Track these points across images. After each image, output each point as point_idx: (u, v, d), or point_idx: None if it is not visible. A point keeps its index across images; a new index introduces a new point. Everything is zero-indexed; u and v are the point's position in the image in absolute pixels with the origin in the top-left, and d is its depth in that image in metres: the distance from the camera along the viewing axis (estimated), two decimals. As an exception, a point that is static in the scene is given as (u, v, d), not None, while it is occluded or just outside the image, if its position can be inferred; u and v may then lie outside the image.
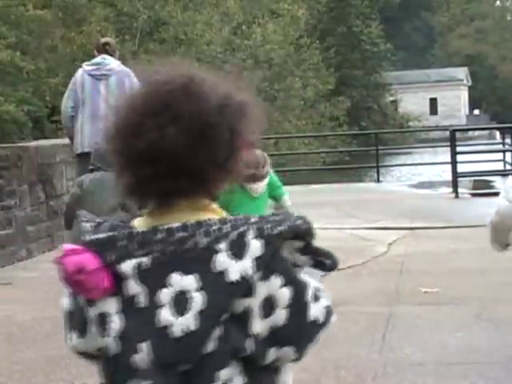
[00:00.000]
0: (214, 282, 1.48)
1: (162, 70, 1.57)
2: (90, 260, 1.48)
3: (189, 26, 27.49)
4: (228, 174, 1.57)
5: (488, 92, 77.11)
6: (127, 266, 1.49)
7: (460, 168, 14.37)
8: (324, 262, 1.60)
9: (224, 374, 1.50)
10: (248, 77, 29.60)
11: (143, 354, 1.48)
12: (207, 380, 1.50)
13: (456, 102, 73.06)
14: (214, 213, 1.58)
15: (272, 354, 1.54)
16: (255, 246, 1.49)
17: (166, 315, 1.48)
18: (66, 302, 1.62)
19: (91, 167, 6.27)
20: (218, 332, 1.48)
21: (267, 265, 1.50)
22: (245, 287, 1.49)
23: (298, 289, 1.54)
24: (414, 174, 22.90)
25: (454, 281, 6.57)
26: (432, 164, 19.70)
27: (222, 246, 1.48)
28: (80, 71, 7.56)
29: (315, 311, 1.57)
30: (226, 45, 28.75)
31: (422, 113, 60.55)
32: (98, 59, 7.51)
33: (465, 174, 14.97)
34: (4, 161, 8.27)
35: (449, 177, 13.87)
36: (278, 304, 1.52)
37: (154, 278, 1.49)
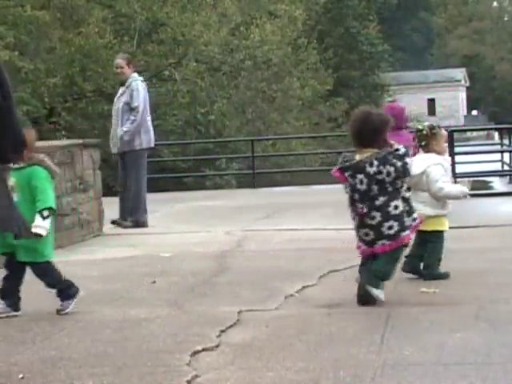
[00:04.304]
0: (369, 175, 5.76)
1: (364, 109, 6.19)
2: (340, 172, 5.90)
3: (187, 27, 27.45)
4: (377, 144, 5.83)
5: (486, 93, 77.16)
6: (348, 174, 5.85)
7: (458, 169, 14.38)
8: None
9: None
10: (246, 77, 29.62)
11: (357, 194, 5.86)
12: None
13: (454, 103, 73.09)
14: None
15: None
16: (376, 163, 5.77)
17: (359, 186, 5.81)
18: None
19: None
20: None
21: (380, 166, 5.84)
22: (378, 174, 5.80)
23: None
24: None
25: (453, 281, 6.58)
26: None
27: (368, 164, 5.80)
28: (144, 86, 10.23)
29: None
30: (224, 45, 28.70)
31: (420, 113, 60.51)
32: None
33: (463, 175, 14.98)
34: (2, 162, 8.24)
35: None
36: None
37: (354, 178, 5.84)
